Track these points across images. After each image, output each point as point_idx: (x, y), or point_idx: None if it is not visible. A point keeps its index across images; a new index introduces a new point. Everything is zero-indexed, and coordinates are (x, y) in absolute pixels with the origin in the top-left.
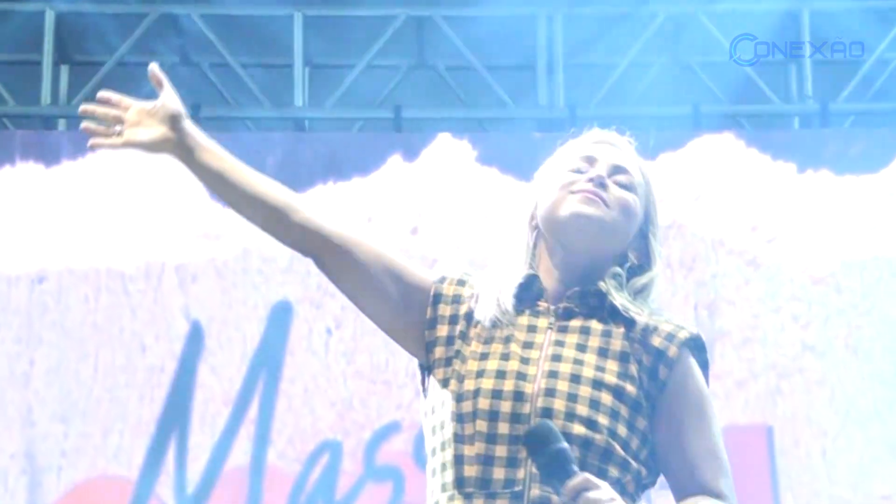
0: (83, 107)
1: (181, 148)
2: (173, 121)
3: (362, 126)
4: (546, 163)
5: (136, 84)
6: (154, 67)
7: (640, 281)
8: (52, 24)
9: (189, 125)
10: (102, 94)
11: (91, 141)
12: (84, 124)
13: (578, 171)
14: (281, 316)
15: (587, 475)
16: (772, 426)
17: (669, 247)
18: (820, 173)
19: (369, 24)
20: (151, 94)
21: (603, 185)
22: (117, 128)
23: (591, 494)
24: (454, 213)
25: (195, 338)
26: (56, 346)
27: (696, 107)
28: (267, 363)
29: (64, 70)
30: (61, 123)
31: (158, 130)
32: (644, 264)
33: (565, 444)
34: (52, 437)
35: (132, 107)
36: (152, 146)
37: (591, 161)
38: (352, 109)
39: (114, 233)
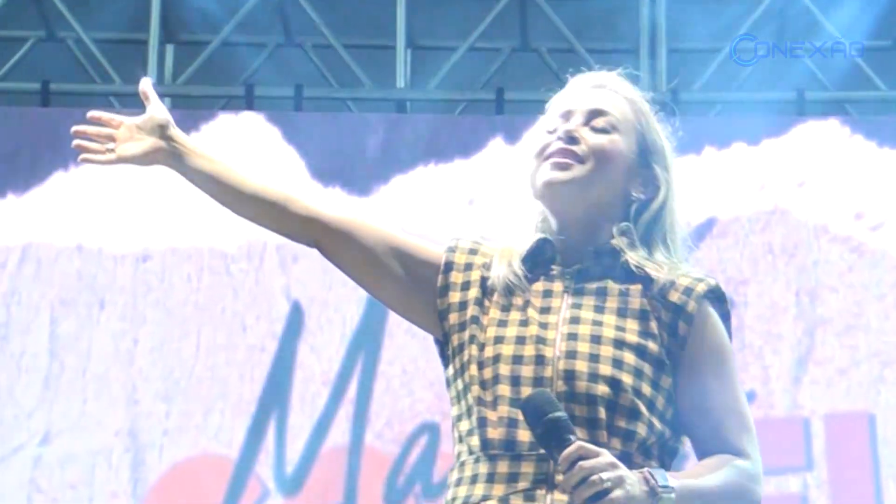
0: (75, 128)
1: (172, 156)
2: (162, 130)
3: (464, 108)
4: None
5: (239, 63)
6: (144, 83)
7: (645, 219)
8: (159, 3)
9: (178, 133)
10: (93, 113)
11: (81, 157)
12: (75, 142)
13: (552, 131)
14: None
15: (581, 443)
16: (874, 414)
17: (772, 232)
18: None
19: (472, 6)
20: (255, 74)
21: (572, 140)
22: (110, 145)
23: (587, 463)
24: None
25: (295, 318)
26: (159, 324)
27: (801, 93)
28: (366, 344)
29: (169, 49)
30: (167, 102)
31: (148, 142)
32: (652, 195)
33: (561, 413)
34: (154, 416)
35: (123, 123)
36: (144, 158)
37: (566, 115)
38: (454, 91)
39: (217, 212)
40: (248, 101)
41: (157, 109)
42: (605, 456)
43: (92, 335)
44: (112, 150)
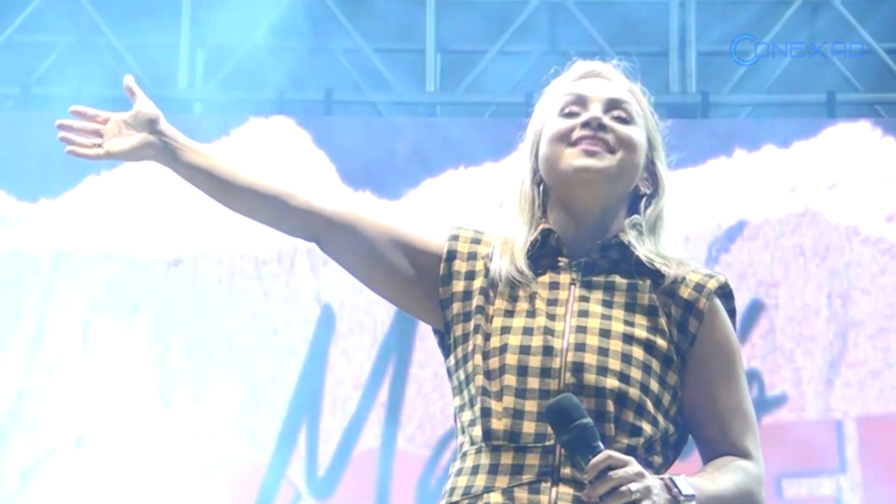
0: (59, 122)
1: (163, 151)
2: (151, 125)
3: (493, 112)
4: (536, 108)
5: (270, 68)
6: (129, 79)
7: (653, 214)
8: (189, 9)
9: (168, 128)
10: (75, 108)
11: (68, 149)
12: (61, 135)
13: (571, 115)
14: None
15: (610, 452)
16: None
17: (803, 235)
18: None
19: (501, 10)
20: (285, 78)
21: (602, 127)
22: (97, 140)
23: (617, 473)
24: None
25: (326, 321)
26: (191, 328)
27: (831, 95)
28: (397, 348)
29: (200, 54)
30: (197, 106)
31: (137, 137)
32: (654, 192)
33: (589, 420)
34: (186, 420)
35: (110, 119)
36: (133, 153)
37: (582, 102)
38: (483, 95)
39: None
40: (279, 106)
41: (145, 104)
42: (633, 465)
43: (124, 339)
44: (99, 146)
